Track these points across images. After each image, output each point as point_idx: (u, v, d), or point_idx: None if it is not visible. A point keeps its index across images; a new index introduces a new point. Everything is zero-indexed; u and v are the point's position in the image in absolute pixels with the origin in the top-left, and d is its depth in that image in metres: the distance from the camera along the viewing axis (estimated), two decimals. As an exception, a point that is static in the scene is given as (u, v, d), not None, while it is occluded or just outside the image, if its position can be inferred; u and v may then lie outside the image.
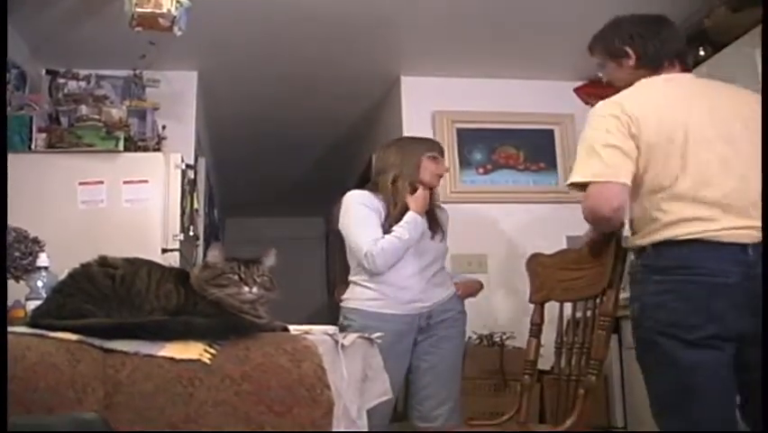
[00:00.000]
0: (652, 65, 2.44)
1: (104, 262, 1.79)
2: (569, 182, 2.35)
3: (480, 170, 5.07)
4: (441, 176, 3.33)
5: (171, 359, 1.58)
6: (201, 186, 4.96)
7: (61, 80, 4.33)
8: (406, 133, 4.80)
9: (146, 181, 3.96)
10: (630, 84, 2.43)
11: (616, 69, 2.53)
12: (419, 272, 3.13)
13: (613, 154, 2.26)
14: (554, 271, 2.77)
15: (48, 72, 4.39)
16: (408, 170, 3.22)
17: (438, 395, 3.06)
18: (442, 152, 3.37)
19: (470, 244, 4.64)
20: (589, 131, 2.34)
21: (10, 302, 2.42)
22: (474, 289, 3.40)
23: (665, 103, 2.34)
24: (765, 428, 2.16)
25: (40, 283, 2.37)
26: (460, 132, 5.07)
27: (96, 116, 4.06)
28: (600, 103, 2.40)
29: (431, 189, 3.28)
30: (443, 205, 3.56)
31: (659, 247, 2.27)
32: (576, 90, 5.16)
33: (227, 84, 5.21)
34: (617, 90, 2.43)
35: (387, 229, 3.10)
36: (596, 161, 2.27)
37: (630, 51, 2.46)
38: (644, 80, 2.42)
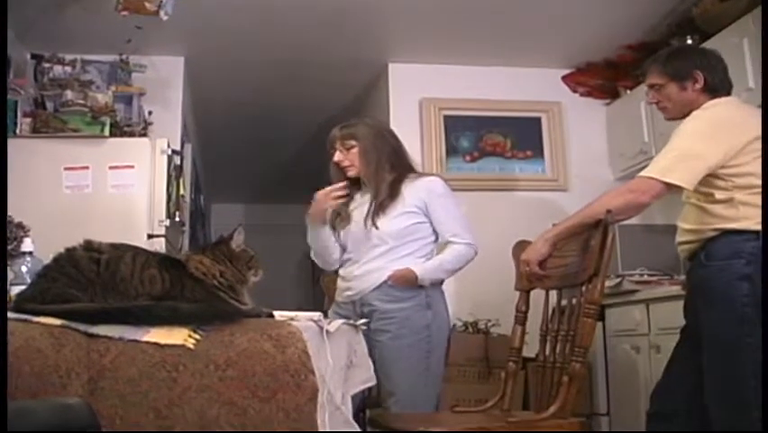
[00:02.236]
0: (713, 92, 2.72)
1: (89, 246, 1.78)
2: None
3: (467, 158, 5.06)
4: (342, 168, 3.08)
5: (156, 344, 1.58)
6: (187, 171, 4.95)
7: (47, 65, 4.29)
8: (393, 121, 4.80)
9: (132, 167, 3.95)
10: (682, 106, 2.72)
11: (677, 91, 2.75)
12: (355, 261, 3.09)
13: None
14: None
15: (33, 57, 4.36)
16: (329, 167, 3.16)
17: (383, 387, 2.94)
18: (344, 136, 3.07)
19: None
20: None
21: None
22: (402, 277, 2.98)
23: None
24: (765, 429, 2.24)
25: (24, 268, 2.36)
26: (447, 119, 5.06)
27: (82, 101, 4.04)
28: None
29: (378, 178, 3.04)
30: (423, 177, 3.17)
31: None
32: (564, 78, 5.17)
33: (214, 70, 5.18)
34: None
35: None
36: None
37: (700, 77, 2.71)
38: (730, 99, 2.75)
